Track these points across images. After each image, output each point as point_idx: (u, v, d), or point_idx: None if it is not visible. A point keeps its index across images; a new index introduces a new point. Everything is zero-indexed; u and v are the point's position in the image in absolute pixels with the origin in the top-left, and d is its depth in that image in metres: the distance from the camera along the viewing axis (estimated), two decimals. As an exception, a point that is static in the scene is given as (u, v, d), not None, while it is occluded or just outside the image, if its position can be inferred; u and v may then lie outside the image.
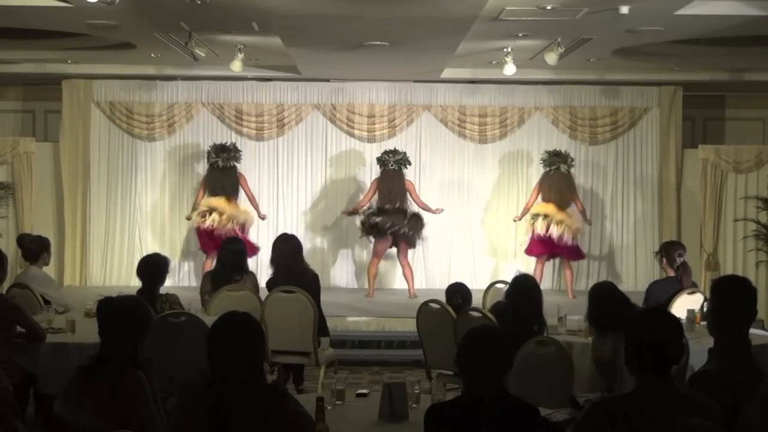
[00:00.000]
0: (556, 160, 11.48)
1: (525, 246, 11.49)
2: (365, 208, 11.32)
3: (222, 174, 11.40)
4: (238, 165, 11.58)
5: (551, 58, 9.46)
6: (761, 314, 9.24)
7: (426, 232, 11.55)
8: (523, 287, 6.82)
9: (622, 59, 10.59)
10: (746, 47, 9.62)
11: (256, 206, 11.56)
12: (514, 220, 11.82)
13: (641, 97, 12.49)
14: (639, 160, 12.52)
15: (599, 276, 12.44)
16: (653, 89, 12.41)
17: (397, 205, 11.08)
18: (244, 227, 11.34)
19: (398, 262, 11.54)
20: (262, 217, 11.58)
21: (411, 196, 11.27)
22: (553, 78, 11.90)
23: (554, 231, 11.11)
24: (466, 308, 7.15)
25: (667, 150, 12.35)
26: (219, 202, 11.25)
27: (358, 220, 11.50)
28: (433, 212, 11.33)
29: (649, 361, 3.39)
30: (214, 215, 11.15)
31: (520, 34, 9.05)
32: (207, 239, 11.16)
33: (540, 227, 11.18)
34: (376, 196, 11.28)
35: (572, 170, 11.62)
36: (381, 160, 11.34)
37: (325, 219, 12.50)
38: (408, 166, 11.43)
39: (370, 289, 11.35)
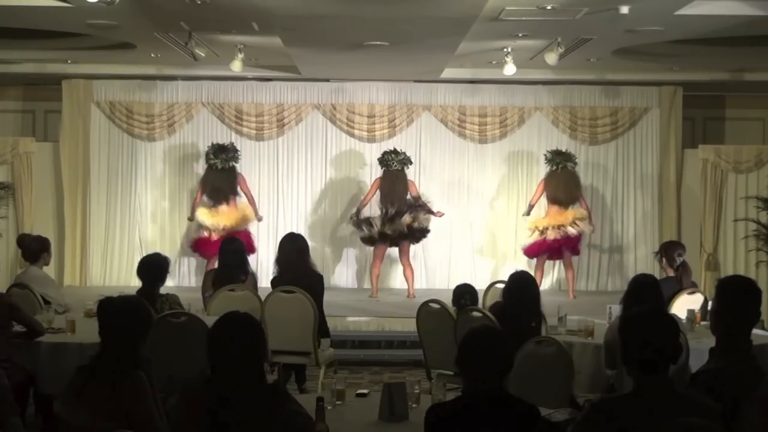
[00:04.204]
0: (561, 158, 11.46)
1: (524, 247, 11.44)
2: (367, 207, 11.31)
3: (220, 175, 11.36)
4: (237, 165, 11.56)
5: (551, 58, 9.46)
6: (762, 314, 9.23)
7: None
8: (520, 284, 6.87)
9: (622, 59, 10.58)
10: (746, 47, 9.62)
11: (254, 208, 11.55)
12: (524, 215, 11.72)
13: (641, 97, 12.48)
14: (639, 160, 12.51)
15: (599, 276, 12.46)
16: (653, 89, 12.40)
17: (396, 209, 11.01)
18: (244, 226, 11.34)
19: (399, 262, 11.52)
20: (259, 219, 11.57)
21: (412, 196, 11.25)
22: (553, 78, 11.89)
23: (572, 231, 11.07)
24: (466, 308, 7.16)
25: (667, 150, 12.35)
26: (214, 218, 11.22)
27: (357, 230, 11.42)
28: (434, 214, 11.28)
29: (646, 362, 3.39)
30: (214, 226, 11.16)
31: (520, 34, 9.05)
32: (205, 247, 11.14)
33: (556, 235, 11.11)
34: (377, 195, 11.27)
35: (576, 169, 11.62)
36: (383, 161, 11.30)
37: (325, 219, 12.49)
38: (410, 165, 11.43)
39: (374, 289, 11.31)
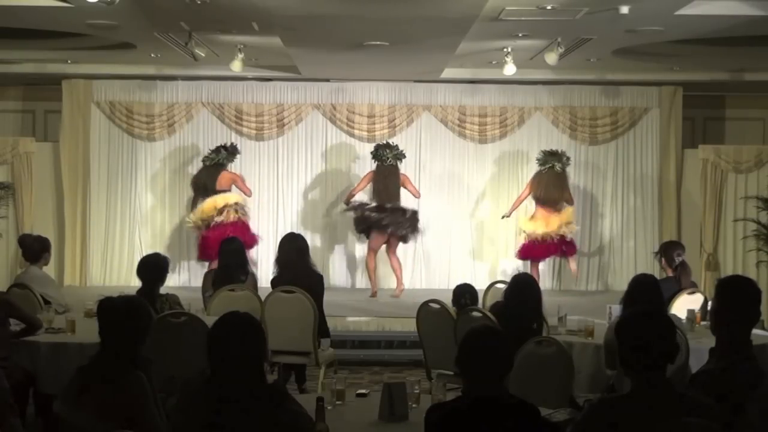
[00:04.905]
0: (550, 159, 11.45)
1: (516, 251, 11.45)
2: (356, 200, 11.26)
3: (206, 172, 11.33)
4: (228, 165, 11.46)
5: (551, 58, 9.46)
6: (762, 314, 9.24)
7: (426, 231, 11.55)
8: (523, 286, 6.89)
9: (622, 59, 10.58)
10: (746, 47, 9.62)
11: (243, 187, 11.38)
12: (503, 217, 11.72)
13: (641, 97, 12.48)
14: (639, 160, 12.50)
15: (599, 276, 12.46)
16: (653, 89, 12.40)
17: (395, 204, 11.03)
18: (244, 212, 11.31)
19: (387, 256, 11.44)
20: (248, 194, 11.38)
21: (406, 187, 11.23)
22: (553, 78, 11.89)
23: (554, 237, 11.07)
24: (466, 308, 7.16)
25: (667, 150, 12.35)
26: (196, 214, 11.21)
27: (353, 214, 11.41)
28: (415, 195, 11.28)
29: (643, 362, 3.39)
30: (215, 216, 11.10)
31: (520, 34, 9.05)
32: (209, 246, 11.06)
33: (537, 238, 11.16)
34: (369, 188, 11.24)
35: (567, 169, 11.59)
36: (377, 156, 11.26)
37: (324, 218, 12.49)
38: (403, 159, 11.40)
39: (372, 283, 11.25)
